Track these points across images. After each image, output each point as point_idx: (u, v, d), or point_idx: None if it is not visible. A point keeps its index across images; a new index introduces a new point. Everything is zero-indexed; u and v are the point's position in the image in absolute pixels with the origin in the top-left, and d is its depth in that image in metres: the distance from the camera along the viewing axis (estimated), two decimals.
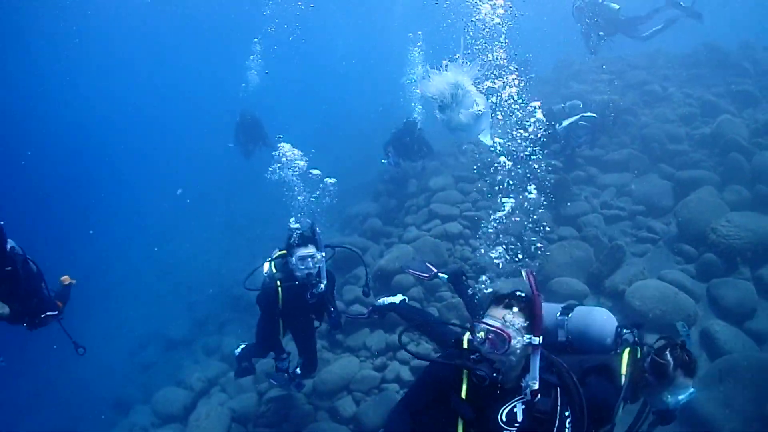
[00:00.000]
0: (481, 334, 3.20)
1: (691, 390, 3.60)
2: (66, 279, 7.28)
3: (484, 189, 11.21)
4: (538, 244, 9.14)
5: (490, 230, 9.36)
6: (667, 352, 3.66)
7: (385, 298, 6.76)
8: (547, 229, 9.78)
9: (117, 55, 35.32)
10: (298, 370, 7.16)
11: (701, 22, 14.31)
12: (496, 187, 9.14)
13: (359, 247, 10.65)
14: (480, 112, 6.03)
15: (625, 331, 4.10)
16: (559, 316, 4.45)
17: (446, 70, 5.78)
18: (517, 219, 9.97)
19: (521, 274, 3.55)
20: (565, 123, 10.83)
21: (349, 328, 8.36)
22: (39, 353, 14.85)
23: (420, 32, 18.16)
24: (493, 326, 3.18)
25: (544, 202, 10.25)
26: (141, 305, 16.63)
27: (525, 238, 9.62)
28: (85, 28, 29.35)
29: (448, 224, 10.65)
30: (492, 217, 9.38)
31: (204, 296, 15.57)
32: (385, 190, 13.72)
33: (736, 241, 7.70)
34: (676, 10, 14.40)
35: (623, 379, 3.63)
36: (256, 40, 24.85)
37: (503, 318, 3.22)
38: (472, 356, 3.29)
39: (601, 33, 14.13)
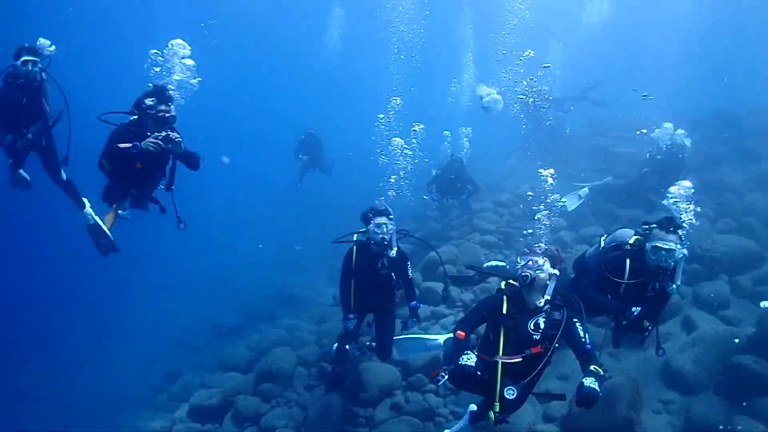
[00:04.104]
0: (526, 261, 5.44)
1: None
2: None
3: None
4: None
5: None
6: None
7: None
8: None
9: None
10: (373, 343, 8.19)
11: (606, 107, 19.43)
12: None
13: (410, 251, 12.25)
14: (495, 100, 13.26)
15: None
16: None
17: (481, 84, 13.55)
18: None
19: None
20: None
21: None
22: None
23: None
24: (534, 256, 5.45)
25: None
26: (193, 305, 17.51)
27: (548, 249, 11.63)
28: None
29: (486, 236, 12.66)
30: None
31: (256, 296, 16.74)
32: (432, 215, 15.69)
33: (716, 254, 9.70)
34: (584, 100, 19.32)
35: None
36: None
37: (540, 257, 5.45)
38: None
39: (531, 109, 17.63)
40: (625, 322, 6.06)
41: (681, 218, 6.24)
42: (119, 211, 7.22)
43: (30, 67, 7.54)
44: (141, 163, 6.57)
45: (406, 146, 11.78)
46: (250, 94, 36.67)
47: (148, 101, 6.40)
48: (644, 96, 13.73)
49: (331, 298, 13.06)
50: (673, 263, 5.67)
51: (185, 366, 13.32)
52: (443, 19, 25.69)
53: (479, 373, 5.13)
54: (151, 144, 6.30)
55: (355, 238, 7.62)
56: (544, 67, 15.77)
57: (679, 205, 6.64)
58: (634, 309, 5.88)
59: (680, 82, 25.82)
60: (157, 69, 6.74)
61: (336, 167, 19.93)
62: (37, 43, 7.85)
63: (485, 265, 9.06)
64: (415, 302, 7.76)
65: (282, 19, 35.42)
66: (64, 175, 8.51)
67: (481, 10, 24.43)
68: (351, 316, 7.57)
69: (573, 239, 12.15)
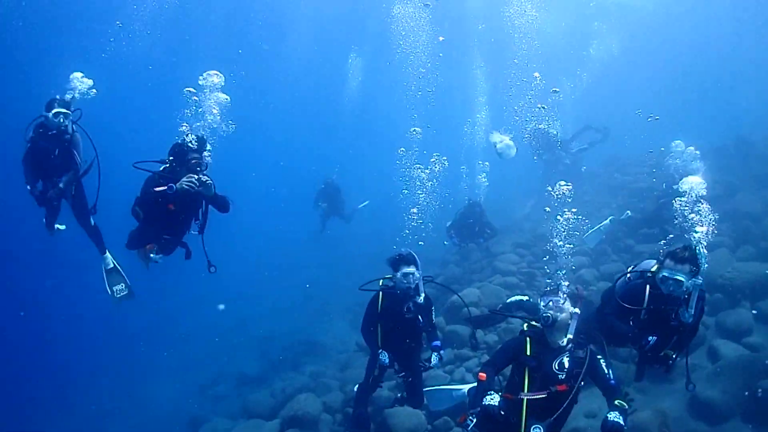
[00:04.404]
0: (547, 302, 5.52)
1: None
2: None
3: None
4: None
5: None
6: None
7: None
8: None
9: None
10: (403, 394, 8.26)
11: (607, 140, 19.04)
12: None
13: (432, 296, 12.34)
14: (509, 146, 13.97)
15: None
16: None
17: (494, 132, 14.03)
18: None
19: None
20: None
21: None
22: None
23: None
24: (554, 296, 5.50)
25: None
26: (216, 353, 17.55)
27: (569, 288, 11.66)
28: None
29: (507, 278, 12.68)
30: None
31: (279, 344, 16.78)
32: (452, 260, 15.74)
33: (738, 281, 9.65)
34: (589, 132, 19.05)
35: None
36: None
37: (561, 297, 5.51)
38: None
39: (540, 151, 18.19)
40: (649, 354, 6.05)
41: (696, 236, 6.29)
42: (151, 254, 7.43)
43: (62, 120, 7.81)
44: (174, 205, 6.85)
45: (426, 177, 12.06)
46: (270, 143, 37.13)
47: (188, 139, 6.79)
48: (650, 118, 13.87)
49: (354, 344, 13.10)
50: (686, 292, 5.66)
51: (208, 413, 13.30)
52: (456, 62, 26.28)
53: (503, 412, 5.16)
54: (186, 183, 6.57)
55: (381, 284, 7.67)
56: (553, 91, 16.08)
57: (689, 215, 6.69)
58: (650, 338, 5.85)
59: (690, 112, 25.93)
60: (189, 111, 7.05)
61: (355, 215, 20.14)
62: (71, 79, 8.20)
63: (508, 300, 9.14)
64: (438, 342, 7.73)
65: (300, 70, 35.62)
66: (92, 221, 8.81)
67: (492, 52, 25.07)
68: (380, 351, 7.51)
69: (594, 276, 12.10)
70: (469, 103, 23.93)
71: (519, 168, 19.37)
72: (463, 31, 27.28)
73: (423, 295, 7.39)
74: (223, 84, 7.37)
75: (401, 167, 13.45)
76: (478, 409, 5.20)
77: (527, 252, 14.15)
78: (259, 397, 11.65)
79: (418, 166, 12.77)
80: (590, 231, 13.26)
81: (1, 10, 22.39)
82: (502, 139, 14.14)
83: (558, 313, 5.38)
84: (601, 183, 18.48)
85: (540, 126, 18.22)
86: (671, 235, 6.00)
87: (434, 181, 12.81)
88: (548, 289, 5.72)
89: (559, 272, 9.76)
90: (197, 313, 20.34)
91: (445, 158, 13.07)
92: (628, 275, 6.48)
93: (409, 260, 7.30)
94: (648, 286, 5.96)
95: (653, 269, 6.05)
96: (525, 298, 8.89)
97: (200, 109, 7.14)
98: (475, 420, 5.27)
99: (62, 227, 8.96)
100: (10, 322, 17.67)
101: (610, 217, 13.67)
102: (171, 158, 6.90)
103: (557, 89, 16.03)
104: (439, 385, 8.58)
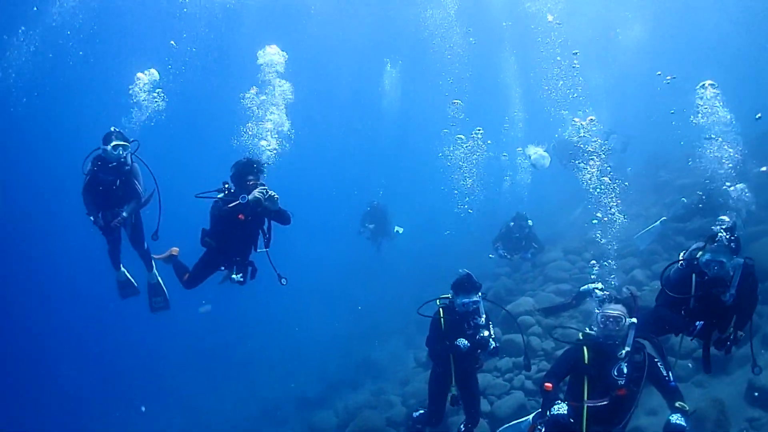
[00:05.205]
0: (605, 319, 5.61)
1: None
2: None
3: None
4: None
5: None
6: None
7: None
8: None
9: None
10: (462, 427, 7.82)
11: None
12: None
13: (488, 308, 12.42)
14: (542, 157, 15.32)
15: None
16: None
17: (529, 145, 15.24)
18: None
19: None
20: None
21: None
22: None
23: None
24: (613, 313, 5.57)
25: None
26: (274, 378, 17.65)
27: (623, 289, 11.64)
28: None
29: (559, 285, 12.76)
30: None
31: (336, 365, 16.81)
32: (503, 272, 15.74)
33: None
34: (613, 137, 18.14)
35: None
36: None
37: (617, 309, 5.59)
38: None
39: (565, 161, 17.06)
40: (714, 339, 6.16)
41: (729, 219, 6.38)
42: (232, 276, 7.76)
43: (120, 152, 8.04)
44: (244, 215, 7.23)
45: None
46: (316, 164, 37.29)
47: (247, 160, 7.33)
48: (667, 79, 13.80)
49: (412, 360, 13.24)
50: (729, 272, 5.79)
51: None
52: (488, 59, 26.55)
53: (572, 420, 5.30)
54: (258, 192, 7.05)
55: (438, 303, 7.70)
56: (574, 53, 15.99)
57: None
58: (697, 323, 5.97)
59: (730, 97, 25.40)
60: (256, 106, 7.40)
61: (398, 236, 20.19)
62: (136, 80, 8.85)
63: (581, 289, 9.47)
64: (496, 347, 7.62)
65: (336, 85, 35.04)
66: (145, 245, 9.06)
67: (520, 47, 25.15)
68: (457, 339, 7.30)
69: (647, 276, 12.09)
70: (505, 98, 24.09)
71: (561, 176, 19.28)
72: (490, 29, 27.17)
73: (484, 316, 7.41)
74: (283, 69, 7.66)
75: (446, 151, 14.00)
76: (547, 418, 5.37)
77: (578, 257, 14.11)
78: (324, 417, 11.86)
79: (460, 136, 13.02)
80: (641, 232, 13.20)
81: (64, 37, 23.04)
82: (536, 151, 14.72)
83: (618, 332, 5.49)
84: (645, 182, 18.34)
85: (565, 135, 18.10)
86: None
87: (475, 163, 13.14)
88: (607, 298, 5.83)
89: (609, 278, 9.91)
90: (252, 339, 20.77)
91: (489, 141, 13.40)
92: (680, 262, 6.42)
93: (469, 288, 7.26)
94: (694, 275, 6.05)
95: (698, 255, 6.10)
96: (599, 286, 9.01)
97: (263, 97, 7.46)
98: (543, 429, 5.42)
99: (133, 282, 9.40)
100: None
101: (662, 218, 13.51)
102: (226, 185, 7.35)
103: (577, 51, 15.92)
104: (509, 424, 8.58)
